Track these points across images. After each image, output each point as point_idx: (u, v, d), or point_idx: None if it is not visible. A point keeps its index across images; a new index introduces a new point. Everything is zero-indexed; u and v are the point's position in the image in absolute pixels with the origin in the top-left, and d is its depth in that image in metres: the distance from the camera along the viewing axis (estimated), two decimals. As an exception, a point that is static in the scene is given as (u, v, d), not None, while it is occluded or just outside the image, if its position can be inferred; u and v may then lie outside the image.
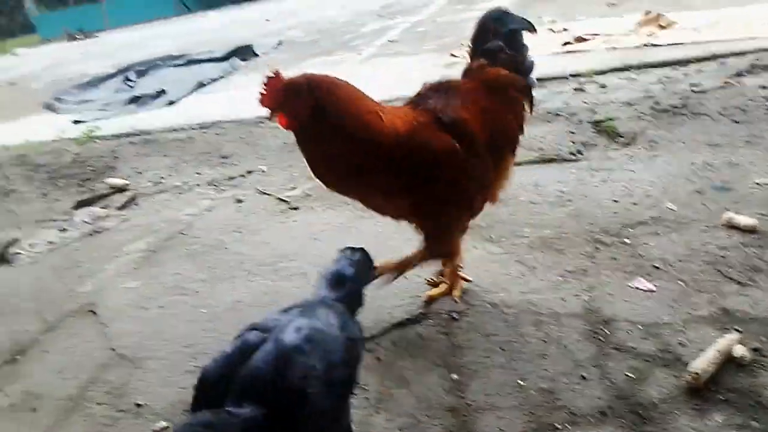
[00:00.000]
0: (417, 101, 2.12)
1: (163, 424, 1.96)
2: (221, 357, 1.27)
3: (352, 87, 1.96)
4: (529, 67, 2.32)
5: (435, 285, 2.44)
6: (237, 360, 1.23)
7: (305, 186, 3.68)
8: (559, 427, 1.75)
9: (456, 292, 2.37)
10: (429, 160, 1.97)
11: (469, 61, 2.29)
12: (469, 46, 2.31)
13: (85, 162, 4.80)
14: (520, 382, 1.92)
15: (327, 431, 1.32)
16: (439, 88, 2.16)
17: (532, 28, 2.32)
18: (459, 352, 2.09)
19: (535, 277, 2.44)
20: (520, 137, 2.34)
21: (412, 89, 5.54)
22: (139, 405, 2.06)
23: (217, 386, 1.21)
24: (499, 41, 2.24)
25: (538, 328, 2.14)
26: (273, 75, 1.84)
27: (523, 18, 2.33)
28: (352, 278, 1.60)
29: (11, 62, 17.83)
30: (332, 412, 1.31)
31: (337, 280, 1.58)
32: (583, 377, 1.90)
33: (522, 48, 2.31)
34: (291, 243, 3.00)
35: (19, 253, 3.43)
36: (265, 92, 1.83)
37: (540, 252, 2.60)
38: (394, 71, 6.50)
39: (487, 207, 3.02)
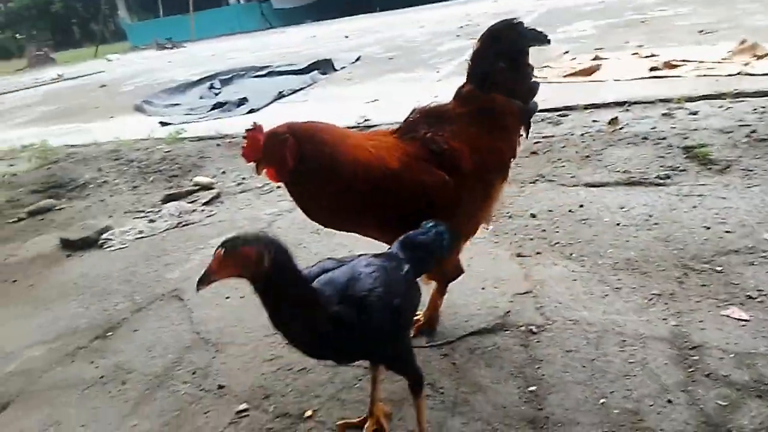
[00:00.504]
0: (406, 128, 2.06)
1: (244, 405, 2.02)
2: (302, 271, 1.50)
3: (336, 128, 1.94)
4: (531, 90, 2.18)
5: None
6: (314, 276, 1.51)
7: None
8: (643, 448, 1.69)
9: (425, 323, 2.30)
10: (420, 195, 1.92)
11: (465, 81, 2.16)
12: (468, 64, 2.16)
13: (174, 160, 5.05)
14: (602, 400, 1.87)
15: (385, 346, 1.59)
16: (430, 114, 2.09)
17: (545, 40, 2.15)
18: (537, 365, 2.06)
19: (619, 298, 2.37)
20: (512, 162, 2.23)
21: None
22: (221, 387, 2.14)
23: None
24: (498, 63, 2.09)
25: (622, 349, 2.08)
26: (253, 127, 1.80)
27: (536, 30, 2.16)
28: (423, 246, 1.73)
29: (104, 66, 19.06)
30: (389, 331, 1.56)
31: (410, 244, 1.73)
32: (670, 401, 1.83)
33: (524, 69, 2.15)
34: (369, 247, 3.03)
35: (111, 240, 3.64)
36: (246, 145, 1.79)
37: (624, 273, 2.53)
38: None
39: (569, 226, 3.01)
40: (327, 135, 1.88)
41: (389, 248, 1.77)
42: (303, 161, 1.80)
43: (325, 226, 2.08)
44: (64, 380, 2.32)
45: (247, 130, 1.79)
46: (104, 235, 3.67)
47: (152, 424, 2.01)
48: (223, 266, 1.36)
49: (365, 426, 1.85)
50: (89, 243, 3.62)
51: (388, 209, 1.92)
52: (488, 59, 2.11)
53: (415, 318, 2.29)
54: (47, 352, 2.54)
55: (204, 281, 1.36)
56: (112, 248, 3.55)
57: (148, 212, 4.05)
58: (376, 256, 1.66)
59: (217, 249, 1.35)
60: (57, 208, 4.51)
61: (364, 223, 2.02)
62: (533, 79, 2.18)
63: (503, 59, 2.10)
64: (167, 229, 3.72)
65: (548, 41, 2.17)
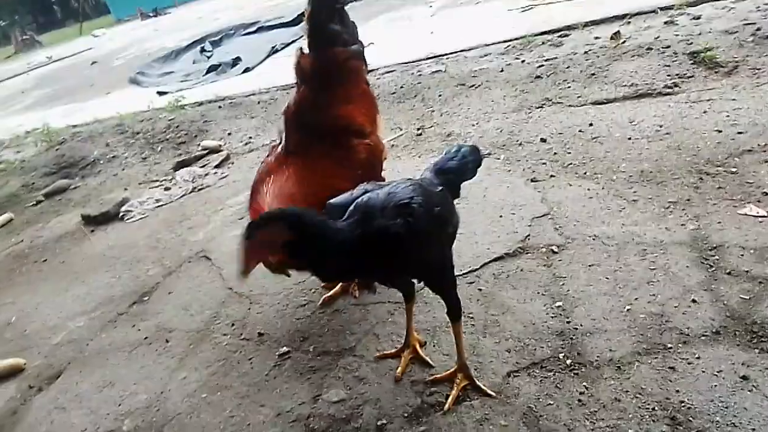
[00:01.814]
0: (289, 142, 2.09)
1: (285, 349, 2.12)
2: (344, 195, 1.59)
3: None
4: (356, 31, 2.30)
5: (331, 288, 2.37)
6: (355, 198, 1.56)
7: (393, 137, 3.75)
8: (670, 346, 1.76)
9: (354, 288, 2.33)
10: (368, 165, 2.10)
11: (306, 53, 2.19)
12: (305, 29, 2.19)
13: (179, 127, 5.06)
14: (627, 307, 1.94)
15: (429, 253, 1.62)
16: (293, 112, 2.13)
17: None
18: (561, 282, 2.12)
19: (635, 209, 2.41)
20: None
21: (489, 36, 5.43)
22: (261, 334, 2.23)
23: (338, 213, 1.53)
24: (335, 24, 2.17)
25: (643, 258, 2.13)
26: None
27: None
28: (454, 170, 1.81)
29: (92, 43, 18.75)
30: (432, 237, 1.60)
31: (441, 170, 1.80)
32: (694, 301, 1.89)
33: (346, 14, 2.25)
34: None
35: (131, 211, 3.71)
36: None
37: (640, 185, 2.55)
38: (469, 20, 6.39)
39: (581, 146, 3.02)
40: None
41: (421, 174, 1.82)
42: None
43: None
44: (110, 345, 2.43)
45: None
46: (123, 208, 3.73)
47: (200, 374, 2.11)
48: (252, 254, 1.38)
49: (403, 354, 1.93)
50: (110, 217, 3.69)
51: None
52: (319, 20, 2.15)
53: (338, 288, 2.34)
54: (89, 321, 2.65)
55: (245, 272, 1.38)
56: (133, 219, 3.62)
57: (162, 181, 4.10)
58: (410, 179, 1.71)
59: (240, 241, 1.37)
60: (72, 187, 4.57)
61: None
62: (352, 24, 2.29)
63: (329, 16, 2.17)
64: (184, 195, 3.77)
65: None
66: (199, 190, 3.78)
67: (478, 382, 1.78)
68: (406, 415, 1.76)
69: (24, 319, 2.83)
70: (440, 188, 1.69)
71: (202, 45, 10.06)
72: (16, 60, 21.78)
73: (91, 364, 2.35)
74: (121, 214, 3.69)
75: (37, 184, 4.79)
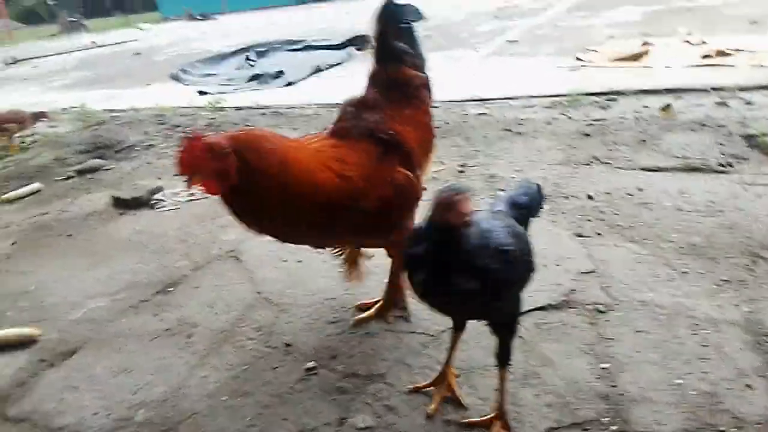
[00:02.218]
0: (347, 123, 1.98)
1: (312, 364, 2.04)
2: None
3: (282, 138, 1.78)
4: (425, 62, 2.28)
5: (365, 309, 2.29)
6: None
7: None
8: (723, 429, 1.67)
9: (389, 314, 2.24)
10: (390, 199, 1.88)
11: (374, 64, 2.17)
12: (372, 46, 2.19)
13: (220, 126, 5.06)
14: (677, 381, 1.85)
15: (513, 298, 1.64)
16: (359, 104, 2.05)
17: (421, 17, 2.23)
18: (607, 344, 2.04)
19: (686, 282, 2.34)
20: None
21: (535, 89, 5.48)
22: (288, 345, 2.16)
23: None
24: (402, 44, 2.15)
25: (695, 332, 2.05)
26: (192, 137, 1.59)
27: (412, 6, 2.21)
28: (526, 206, 1.79)
29: (137, 35, 19.12)
30: (521, 284, 1.62)
31: (515, 204, 1.77)
32: (749, 386, 1.80)
33: (417, 42, 2.25)
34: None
35: (163, 201, 3.67)
36: (182, 155, 1.56)
37: (690, 258, 2.49)
38: (516, 70, 6.44)
39: (629, 209, 2.97)
40: (273, 146, 1.69)
41: (494, 206, 1.76)
42: (248, 175, 1.62)
43: (273, 237, 1.91)
44: (130, 330, 2.36)
45: (185, 139, 1.58)
46: (156, 196, 3.69)
47: (221, 375, 2.03)
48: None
49: (437, 389, 1.85)
50: (141, 203, 3.65)
51: (358, 220, 1.83)
52: (385, 36, 2.14)
53: (375, 306, 2.27)
54: (111, 302, 2.58)
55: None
56: (164, 209, 3.58)
57: (197, 176, 4.06)
58: (494, 212, 1.69)
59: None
60: (105, 168, 4.55)
61: (325, 235, 1.91)
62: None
63: (395, 35, 2.15)
64: (218, 193, 3.73)
65: (423, 17, 2.25)
66: (234, 190, 3.74)
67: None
68: (437, 455, 1.67)
69: (42, 290, 2.77)
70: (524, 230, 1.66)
71: (247, 54, 10.18)
72: (59, 40, 22.24)
73: (109, 346, 2.27)
74: (152, 201, 3.66)
75: (69, 160, 4.78)
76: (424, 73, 2.26)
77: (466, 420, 1.76)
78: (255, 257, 2.82)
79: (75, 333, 2.39)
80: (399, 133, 1.98)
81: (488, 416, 1.75)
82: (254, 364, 2.07)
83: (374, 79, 2.16)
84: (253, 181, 1.63)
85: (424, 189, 2.11)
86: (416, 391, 1.88)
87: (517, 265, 1.52)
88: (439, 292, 1.50)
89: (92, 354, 2.24)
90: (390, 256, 2.22)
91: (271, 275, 2.65)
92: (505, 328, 1.68)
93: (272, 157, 1.66)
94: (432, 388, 1.87)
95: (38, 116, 5.23)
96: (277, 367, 2.05)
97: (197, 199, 3.68)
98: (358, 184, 1.79)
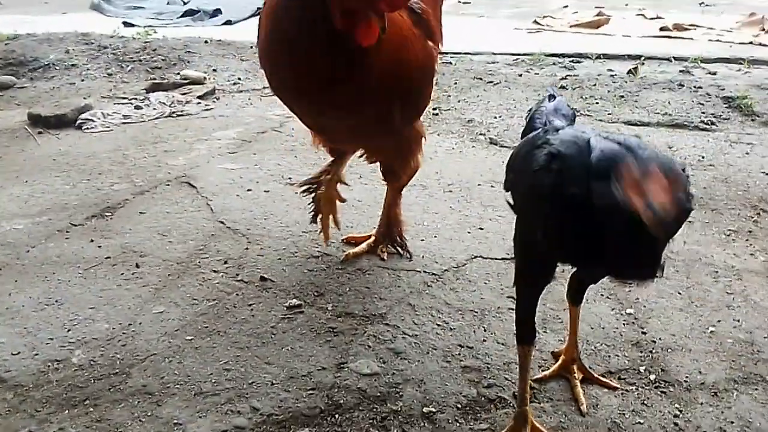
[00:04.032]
0: None
1: (296, 301, 1.69)
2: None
3: None
4: None
5: (355, 244, 2.02)
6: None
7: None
8: (769, 379, 1.50)
9: (383, 249, 1.95)
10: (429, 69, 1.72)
11: None
12: None
13: (156, 51, 4.46)
14: (710, 329, 1.67)
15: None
16: None
17: None
18: (628, 288, 1.84)
19: (693, 230, 2.18)
20: None
21: (496, 47, 5.25)
22: (263, 279, 1.80)
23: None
24: None
25: (716, 280, 1.89)
26: None
27: None
28: (572, 118, 1.46)
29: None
30: None
31: (568, 116, 1.44)
32: (786, 336, 1.65)
33: None
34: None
35: (92, 120, 3.13)
36: None
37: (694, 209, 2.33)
38: (474, 29, 6.18)
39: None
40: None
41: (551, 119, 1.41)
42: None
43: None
44: (59, 257, 1.90)
45: None
46: (83, 115, 3.14)
47: (183, 312, 1.65)
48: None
49: (571, 376, 1.47)
50: (65, 122, 3.09)
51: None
52: None
53: (366, 240, 1.98)
54: (32, 225, 2.09)
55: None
56: (94, 130, 3.04)
57: (132, 99, 3.52)
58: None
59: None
60: (17, 86, 3.87)
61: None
62: None
63: None
64: (158, 117, 3.23)
65: None
66: (178, 116, 3.25)
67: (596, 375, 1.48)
68: (459, 406, 1.39)
69: (-60, 209, 2.22)
70: None
71: (180, -12, 9.33)
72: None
73: (31, 275, 1.81)
74: (79, 122, 3.10)
75: (-28, 75, 4.04)
76: None
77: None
78: (212, 184, 2.40)
79: (-15, 258, 1.90)
80: (426, 11, 1.69)
81: (558, 364, 1.50)
82: (223, 300, 1.70)
83: None
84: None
85: None
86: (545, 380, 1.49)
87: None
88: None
89: (9, 283, 1.77)
90: (386, 181, 1.90)
91: (234, 204, 2.25)
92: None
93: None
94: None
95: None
96: (252, 305, 1.69)
97: (133, 122, 3.16)
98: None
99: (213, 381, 1.41)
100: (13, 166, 2.63)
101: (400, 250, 1.92)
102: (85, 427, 1.30)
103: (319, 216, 1.91)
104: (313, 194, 1.93)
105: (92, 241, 1.99)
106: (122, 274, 1.82)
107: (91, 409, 1.34)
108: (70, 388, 1.38)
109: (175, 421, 1.30)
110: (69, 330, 1.57)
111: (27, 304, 1.67)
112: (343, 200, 1.97)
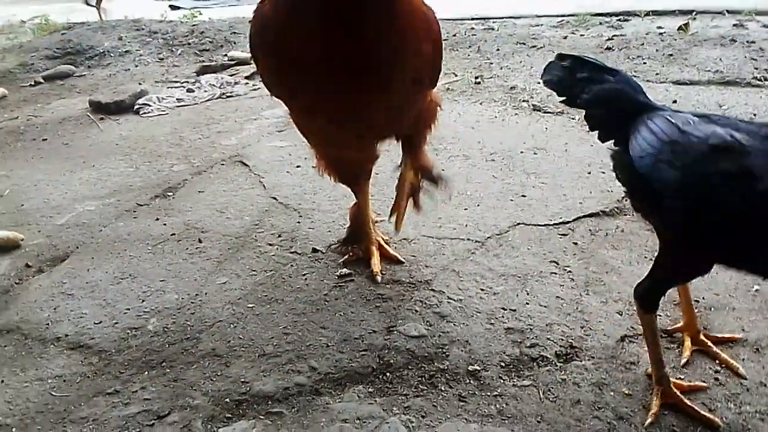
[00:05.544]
0: None
1: (346, 270, 1.80)
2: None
3: None
4: None
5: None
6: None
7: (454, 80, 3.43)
8: (814, 338, 1.51)
9: (375, 261, 1.81)
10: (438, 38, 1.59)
11: None
12: None
13: (204, 33, 4.61)
14: (755, 287, 1.68)
15: None
16: None
17: None
18: (671, 250, 1.85)
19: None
20: None
21: (540, 8, 5.14)
22: (315, 250, 1.91)
23: None
24: None
25: (763, 239, 1.88)
26: None
27: None
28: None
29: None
30: None
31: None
32: (833, 294, 1.64)
33: None
34: (448, 129, 2.75)
35: (148, 105, 3.30)
36: None
37: None
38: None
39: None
40: None
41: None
42: None
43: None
44: (129, 235, 2.07)
45: None
46: (140, 101, 3.31)
47: (244, 282, 1.78)
48: None
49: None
50: (123, 107, 3.27)
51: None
52: None
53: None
54: (102, 206, 2.27)
55: None
56: (151, 114, 3.21)
57: (184, 83, 3.68)
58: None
59: None
60: (76, 74, 4.10)
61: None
62: None
63: None
64: (210, 99, 3.38)
65: None
66: (228, 97, 3.39)
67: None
68: (503, 364, 1.47)
69: (20, 194, 2.43)
70: None
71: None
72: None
73: (106, 252, 1.98)
74: (137, 107, 3.28)
75: (36, 66, 4.29)
76: None
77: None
78: (263, 162, 2.53)
79: (64, 237, 2.08)
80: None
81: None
82: (279, 271, 1.82)
83: None
84: None
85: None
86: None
87: None
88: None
89: (87, 260, 1.95)
90: (407, 154, 1.81)
91: (285, 181, 2.36)
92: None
93: None
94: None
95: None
96: (306, 274, 1.80)
97: (186, 105, 3.31)
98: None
99: (274, 344, 1.53)
100: (80, 151, 2.82)
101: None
102: (163, 386, 1.45)
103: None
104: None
105: (157, 219, 2.15)
106: (187, 249, 1.96)
107: (168, 371, 1.49)
108: (148, 352, 1.54)
109: (243, 380, 1.44)
110: (143, 301, 1.72)
111: (104, 278, 1.84)
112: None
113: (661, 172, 1.24)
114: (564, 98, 1.49)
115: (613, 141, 1.40)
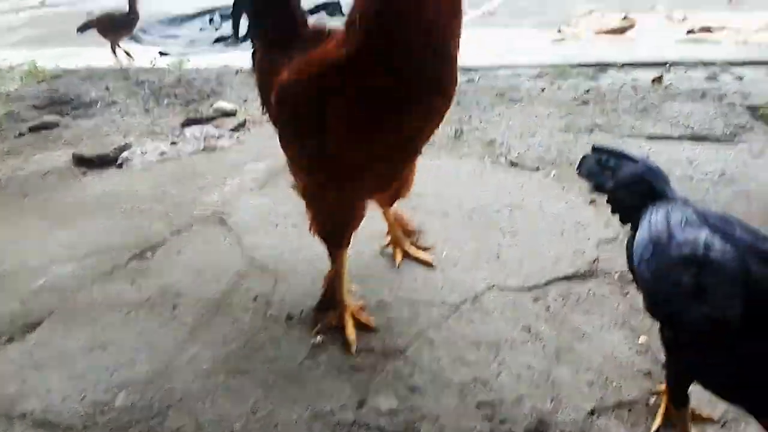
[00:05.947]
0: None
1: (320, 339, 1.80)
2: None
3: None
4: None
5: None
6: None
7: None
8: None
9: (349, 330, 1.81)
10: None
11: None
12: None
13: (191, 84, 4.68)
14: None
15: None
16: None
17: None
18: (641, 316, 1.87)
19: (712, 251, 2.19)
20: None
21: (521, 59, 5.28)
22: (290, 317, 1.91)
23: None
24: None
25: (732, 304, 1.91)
26: None
27: None
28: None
29: (90, -6, 17.98)
30: None
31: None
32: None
33: None
34: (428, 185, 2.78)
35: (131, 159, 3.32)
36: None
37: None
38: (499, 40, 6.22)
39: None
40: None
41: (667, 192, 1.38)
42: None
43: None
44: (104, 300, 2.06)
45: None
46: (123, 154, 3.34)
47: (215, 352, 1.77)
48: None
49: None
50: (107, 161, 3.29)
51: None
52: None
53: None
54: (78, 269, 2.27)
55: None
56: (134, 168, 3.24)
57: (168, 135, 3.72)
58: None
59: None
60: (62, 125, 4.13)
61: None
62: None
63: None
64: (194, 153, 3.41)
65: None
66: (212, 150, 3.43)
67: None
68: (473, 441, 1.47)
69: (-3, 255, 2.43)
70: None
71: (211, 16, 9.65)
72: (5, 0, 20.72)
73: (79, 319, 1.97)
74: (120, 160, 3.30)
75: (23, 115, 4.31)
76: None
77: None
78: (243, 220, 2.54)
79: (38, 303, 2.08)
80: None
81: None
82: (253, 339, 1.82)
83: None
84: None
85: None
86: None
87: None
88: None
89: (59, 327, 1.94)
90: (388, 206, 2.01)
91: (263, 240, 2.38)
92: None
93: None
94: None
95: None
96: (279, 343, 1.81)
97: (170, 158, 3.34)
98: None
99: (243, 420, 1.53)
100: (60, 207, 2.82)
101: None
102: (129, 465, 1.43)
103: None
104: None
105: (133, 283, 2.15)
106: (161, 314, 1.96)
107: (134, 449, 1.47)
108: (115, 430, 1.52)
109: (210, 460, 1.43)
110: (113, 373, 1.71)
111: (75, 347, 1.83)
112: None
113: (642, 272, 1.24)
114: (595, 186, 1.56)
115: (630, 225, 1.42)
